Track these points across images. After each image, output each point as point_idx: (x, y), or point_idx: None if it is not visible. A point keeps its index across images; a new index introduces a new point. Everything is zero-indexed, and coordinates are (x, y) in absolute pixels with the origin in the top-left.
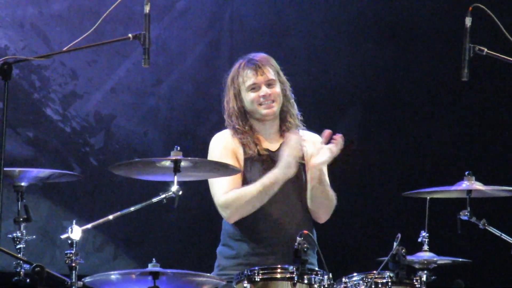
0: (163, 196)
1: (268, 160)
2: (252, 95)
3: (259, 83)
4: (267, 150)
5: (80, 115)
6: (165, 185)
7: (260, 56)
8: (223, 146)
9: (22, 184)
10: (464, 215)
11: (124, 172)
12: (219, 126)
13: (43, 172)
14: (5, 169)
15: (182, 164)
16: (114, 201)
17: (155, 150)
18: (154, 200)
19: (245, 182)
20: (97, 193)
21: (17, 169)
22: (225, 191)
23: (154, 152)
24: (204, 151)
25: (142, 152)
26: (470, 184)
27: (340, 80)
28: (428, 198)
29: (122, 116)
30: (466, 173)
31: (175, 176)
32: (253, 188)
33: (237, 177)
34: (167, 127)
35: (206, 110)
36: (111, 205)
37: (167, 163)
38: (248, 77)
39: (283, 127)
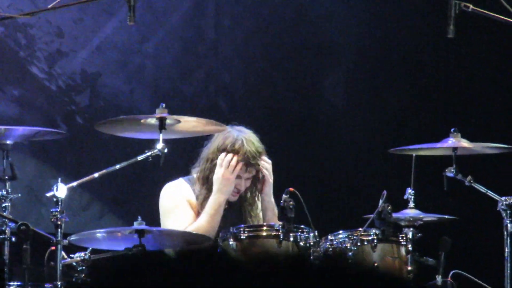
0: (148, 153)
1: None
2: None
3: (242, 176)
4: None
5: (66, 73)
6: (151, 143)
7: (256, 147)
8: (179, 197)
9: (8, 142)
10: (450, 172)
11: (109, 129)
12: (205, 84)
13: (29, 130)
14: None
15: (168, 121)
16: (100, 159)
17: (142, 108)
18: (140, 158)
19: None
20: (83, 151)
21: (3, 127)
22: (183, 228)
23: (140, 110)
24: (190, 109)
25: (128, 110)
26: (456, 141)
27: (326, 40)
28: (414, 155)
29: (108, 74)
30: (452, 130)
31: (161, 134)
32: (203, 220)
33: (193, 213)
34: (153, 85)
35: (192, 68)
36: (97, 163)
37: (152, 120)
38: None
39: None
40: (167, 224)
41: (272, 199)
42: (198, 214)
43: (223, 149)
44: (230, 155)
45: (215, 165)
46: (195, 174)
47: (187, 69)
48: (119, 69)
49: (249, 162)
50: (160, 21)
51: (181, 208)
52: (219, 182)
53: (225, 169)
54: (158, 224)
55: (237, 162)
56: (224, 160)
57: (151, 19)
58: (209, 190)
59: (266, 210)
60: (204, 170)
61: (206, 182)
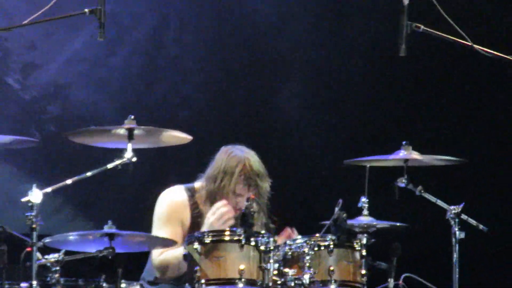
0: (118, 162)
1: None
2: (232, 199)
3: (243, 195)
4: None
5: (39, 84)
6: (119, 152)
7: (258, 169)
8: (172, 212)
9: None
10: (401, 182)
11: (81, 139)
12: (169, 95)
13: (4, 138)
14: None
15: (136, 132)
16: (72, 166)
17: (109, 117)
18: (109, 166)
19: None
20: (56, 158)
21: None
22: (158, 255)
23: (108, 120)
24: (156, 120)
25: (98, 120)
26: (407, 153)
27: (280, 54)
28: (367, 166)
29: (77, 86)
30: (403, 142)
31: (129, 144)
32: (177, 253)
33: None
34: (119, 96)
35: (155, 81)
36: (69, 169)
37: (121, 130)
38: (239, 188)
39: None
40: (154, 233)
41: None
42: (192, 226)
43: (226, 169)
44: (224, 205)
45: (221, 184)
46: (196, 184)
47: (150, 81)
48: (88, 80)
49: (251, 182)
50: (125, 36)
51: (169, 227)
52: (207, 228)
53: (216, 220)
54: (127, 228)
55: (228, 213)
56: (218, 209)
57: (118, 34)
58: (219, 196)
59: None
60: (210, 189)
61: (212, 198)
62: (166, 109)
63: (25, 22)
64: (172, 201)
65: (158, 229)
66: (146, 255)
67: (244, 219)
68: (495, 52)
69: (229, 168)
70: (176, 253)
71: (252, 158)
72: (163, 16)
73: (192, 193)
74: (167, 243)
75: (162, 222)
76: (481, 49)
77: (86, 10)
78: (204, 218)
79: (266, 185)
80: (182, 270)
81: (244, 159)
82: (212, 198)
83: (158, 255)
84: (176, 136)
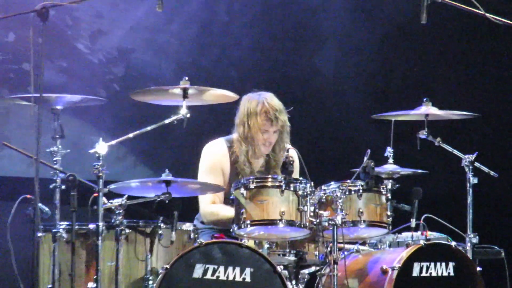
0: (174, 118)
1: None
2: (260, 135)
3: (269, 130)
4: (250, 167)
5: (105, 49)
6: (175, 109)
7: (276, 105)
8: (214, 162)
9: (58, 107)
10: (422, 134)
11: (141, 97)
12: (221, 58)
13: (75, 97)
14: (44, 94)
15: (189, 91)
16: (133, 121)
17: (167, 78)
18: (166, 121)
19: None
20: (120, 114)
21: (54, 95)
22: (207, 203)
23: (166, 81)
24: (208, 80)
25: (156, 80)
26: (428, 109)
27: (318, 23)
28: (393, 120)
29: (139, 50)
30: (424, 99)
31: (184, 101)
32: (227, 213)
33: (220, 180)
34: (176, 59)
35: (209, 45)
36: (131, 124)
37: (177, 90)
38: (263, 124)
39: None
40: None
41: None
42: (233, 171)
43: (250, 111)
44: None
45: (249, 126)
46: (234, 135)
47: (203, 46)
48: (148, 45)
49: (272, 117)
50: (182, 6)
51: (211, 176)
52: None
53: None
54: (183, 175)
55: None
56: None
57: (174, 4)
58: (250, 146)
59: None
60: (242, 133)
61: (246, 141)
62: (217, 71)
63: None
64: (213, 153)
65: (200, 177)
66: (198, 200)
67: (284, 167)
68: (505, 20)
69: (252, 110)
70: (228, 213)
71: (269, 97)
72: None
73: (230, 144)
74: (216, 188)
75: (206, 172)
76: (492, 17)
77: None
78: (241, 164)
79: (285, 118)
80: (228, 226)
81: (262, 100)
82: (245, 141)
83: (209, 203)
84: (225, 95)
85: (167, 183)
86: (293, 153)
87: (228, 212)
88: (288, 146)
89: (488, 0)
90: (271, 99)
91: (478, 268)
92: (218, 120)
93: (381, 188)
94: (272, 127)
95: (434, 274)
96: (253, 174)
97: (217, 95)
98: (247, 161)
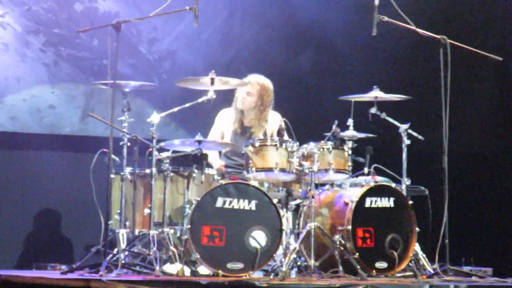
0: (204, 98)
1: (244, 134)
2: (240, 93)
3: (253, 92)
4: (242, 126)
5: (158, 50)
6: (205, 92)
7: (255, 77)
8: (219, 120)
9: (126, 90)
10: (373, 110)
11: (182, 84)
12: (235, 57)
13: (138, 83)
14: (117, 81)
15: (215, 80)
16: (178, 100)
17: (199, 71)
18: (199, 100)
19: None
20: (167, 95)
21: (123, 82)
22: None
23: (199, 73)
24: (227, 73)
25: (192, 72)
26: (376, 93)
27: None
28: (353, 100)
29: (181, 52)
30: (374, 86)
31: (211, 87)
32: (213, 160)
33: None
34: (207, 57)
35: (227, 49)
36: (175, 101)
37: (206, 79)
38: (249, 88)
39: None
40: (210, 132)
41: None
42: (234, 127)
43: (239, 86)
44: None
45: (239, 93)
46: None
47: (224, 49)
48: (187, 48)
49: (254, 83)
50: (209, 23)
51: (215, 129)
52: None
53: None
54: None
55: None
56: None
57: (205, 21)
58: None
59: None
60: (234, 100)
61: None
62: (233, 66)
63: (151, 15)
64: (222, 113)
65: (210, 131)
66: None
67: (279, 133)
68: (431, 34)
69: (244, 83)
70: (213, 160)
71: (255, 74)
72: (231, 11)
73: (236, 112)
74: (232, 146)
75: (213, 127)
76: (422, 32)
77: (187, 7)
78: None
79: (260, 87)
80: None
81: (247, 77)
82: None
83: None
84: (238, 82)
85: (199, 142)
86: (285, 124)
87: (214, 159)
88: (283, 119)
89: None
90: (255, 75)
91: (410, 202)
92: (232, 100)
93: (344, 147)
94: (247, 88)
95: (380, 205)
96: (241, 129)
97: (234, 82)
98: (237, 119)
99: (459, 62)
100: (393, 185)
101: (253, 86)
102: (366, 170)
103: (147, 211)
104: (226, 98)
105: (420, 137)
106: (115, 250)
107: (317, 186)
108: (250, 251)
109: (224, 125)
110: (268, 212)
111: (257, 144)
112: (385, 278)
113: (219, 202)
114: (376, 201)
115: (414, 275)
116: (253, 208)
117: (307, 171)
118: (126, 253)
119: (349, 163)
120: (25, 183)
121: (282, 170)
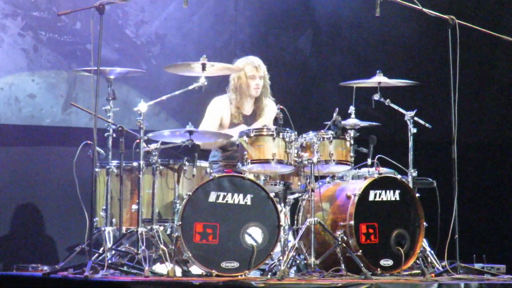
0: (195, 85)
1: (246, 124)
2: (251, 82)
3: (255, 76)
4: (243, 115)
5: (146, 34)
6: (196, 78)
7: (257, 59)
8: (214, 109)
9: (111, 76)
10: (376, 96)
11: (171, 70)
12: (229, 41)
13: (124, 69)
14: (101, 67)
15: (207, 65)
16: (166, 87)
17: (190, 56)
18: (190, 87)
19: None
20: (156, 82)
21: (108, 68)
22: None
23: (189, 58)
24: (219, 57)
25: (182, 57)
26: (380, 78)
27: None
28: (354, 86)
29: (171, 36)
30: (378, 71)
31: (203, 73)
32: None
33: (216, 123)
34: (198, 41)
35: (221, 32)
36: (164, 88)
37: (197, 65)
38: (251, 71)
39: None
40: (202, 122)
41: None
42: (231, 116)
43: (237, 70)
44: None
45: (239, 78)
46: (229, 91)
47: (218, 32)
48: (177, 31)
49: (256, 65)
50: (201, 3)
51: (209, 118)
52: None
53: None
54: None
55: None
56: None
57: (196, 2)
58: (239, 94)
59: None
60: (233, 85)
61: (235, 90)
62: (226, 50)
63: None
64: (216, 102)
65: (204, 121)
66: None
67: (276, 122)
68: (438, 14)
69: (240, 65)
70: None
71: (251, 56)
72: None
73: (228, 96)
74: (225, 136)
75: (207, 115)
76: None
77: None
78: (233, 108)
79: (265, 68)
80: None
81: (246, 57)
82: (234, 90)
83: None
84: (231, 68)
85: (190, 132)
86: (282, 112)
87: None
88: (280, 106)
89: None
90: (252, 57)
91: (417, 195)
92: (226, 86)
93: (346, 136)
94: (258, 73)
95: (385, 199)
96: (242, 118)
97: (225, 68)
98: (236, 107)
99: (469, 45)
100: (399, 177)
101: (260, 69)
102: (369, 161)
103: (134, 207)
104: (220, 84)
105: (427, 125)
106: (101, 249)
107: (317, 178)
108: (245, 249)
109: (221, 114)
110: (265, 207)
111: (252, 134)
112: (390, 277)
113: (212, 197)
114: (380, 194)
115: (422, 273)
116: (249, 203)
117: (306, 162)
118: (113, 252)
119: (351, 154)
120: (3, 179)
121: (280, 162)
